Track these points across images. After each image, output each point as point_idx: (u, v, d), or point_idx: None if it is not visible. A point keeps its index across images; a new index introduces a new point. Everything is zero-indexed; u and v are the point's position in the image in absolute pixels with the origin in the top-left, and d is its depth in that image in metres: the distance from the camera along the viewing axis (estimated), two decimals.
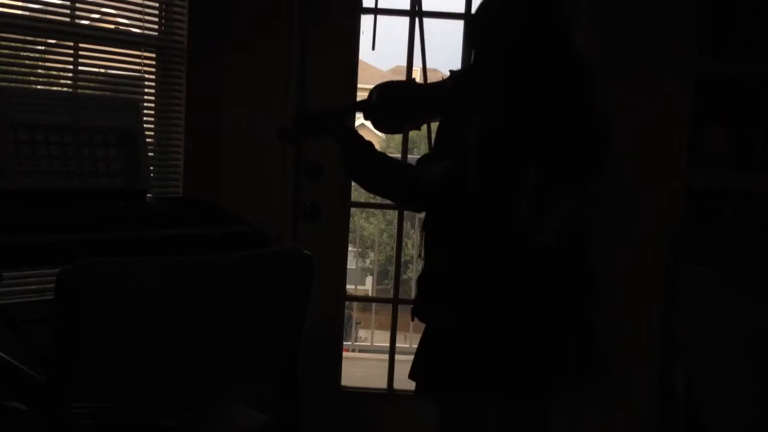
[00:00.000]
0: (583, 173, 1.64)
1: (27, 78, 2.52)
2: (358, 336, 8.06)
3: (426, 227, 1.87)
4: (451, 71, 1.83)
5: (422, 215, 1.93)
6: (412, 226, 7.07)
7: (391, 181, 1.92)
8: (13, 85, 2.41)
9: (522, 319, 1.69)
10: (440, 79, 1.87)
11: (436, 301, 1.80)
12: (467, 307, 1.72)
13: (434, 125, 2.03)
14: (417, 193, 1.88)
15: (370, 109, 1.83)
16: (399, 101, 1.82)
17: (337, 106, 1.96)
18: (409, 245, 8.33)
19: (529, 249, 1.65)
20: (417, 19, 2.72)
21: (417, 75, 2.70)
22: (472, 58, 1.79)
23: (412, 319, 1.93)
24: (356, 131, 1.91)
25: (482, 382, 1.72)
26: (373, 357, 5.43)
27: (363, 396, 3.03)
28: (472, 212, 1.70)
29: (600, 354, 1.79)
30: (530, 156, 1.60)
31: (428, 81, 2.15)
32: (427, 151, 2.04)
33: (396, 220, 3.00)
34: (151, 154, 2.60)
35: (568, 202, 1.65)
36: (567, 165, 1.61)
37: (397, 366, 2.97)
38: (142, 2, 2.65)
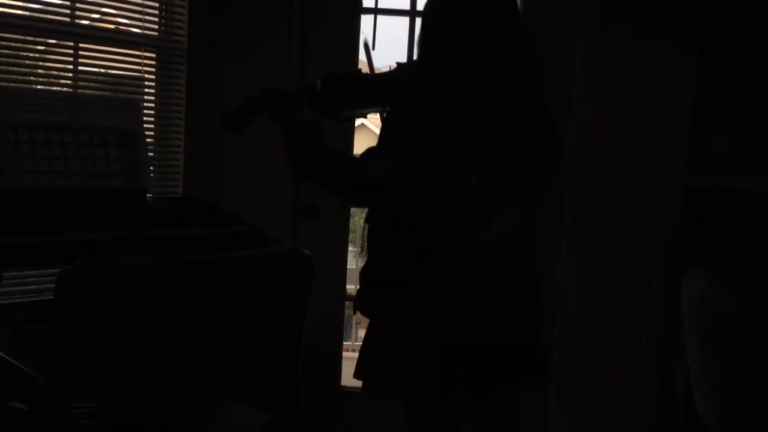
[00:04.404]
0: (531, 175, 1.63)
1: (27, 78, 2.52)
2: (358, 336, 8.05)
3: (369, 221, 1.85)
4: (398, 63, 1.81)
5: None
6: None
7: (332, 173, 1.87)
8: (13, 85, 2.41)
9: (465, 319, 1.67)
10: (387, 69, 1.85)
11: (375, 296, 1.79)
12: (406, 304, 1.70)
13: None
14: (360, 187, 1.85)
15: (312, 95, 1.80)
16: (341, 89, 1.80)
17: (280, 91, 1.91)
18: None
19: (473, 248, 1.63)
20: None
21: None
22: (418, 50, 1.76)
23: (354, 313, 1.92)
24: (298, 119, 1.83)
25: (418, 381, 1.71)
26: None
27: (363, 396, 3.03)
28: (416, 209, 1.68)
29: (540, 357, 1.78)
30: (475, 155, 1.59)
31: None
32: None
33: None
34: (151, 154, 2.60)
35: (517, 203, 1.63)
36: (514, 166, 1.59)
37: None
38: (142, 2, 2.65)
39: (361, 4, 2.84)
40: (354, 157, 1.94)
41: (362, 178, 1.83)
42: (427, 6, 1.76)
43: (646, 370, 2.79)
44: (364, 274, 1.84)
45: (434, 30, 1.73)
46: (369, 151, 1.91)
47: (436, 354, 1.68)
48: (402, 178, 1.70)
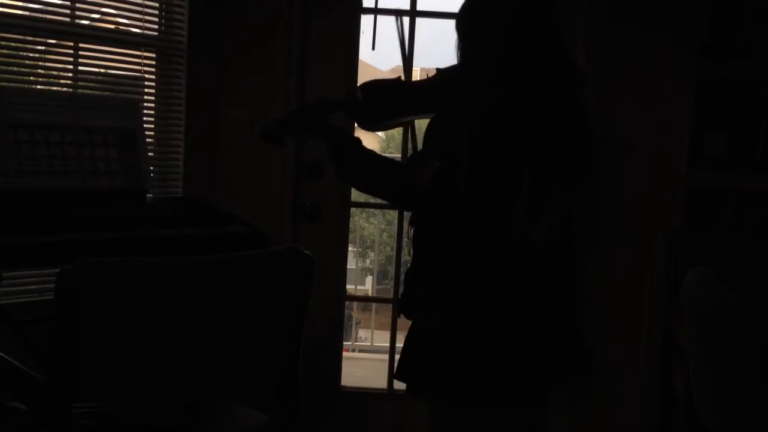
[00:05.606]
0: (574, 173, 1.64)
1: (27, 78, 2.52)
2: (358, 336, 8.05)
3: (414, 224, 1.85)
4: (438, 69, 1.81)
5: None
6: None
7: (381, 179, 1.87)
8: (13, 85, 2.41)
9: (510, 320, 1.68)
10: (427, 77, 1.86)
11: (423, 301, 1.78)
12: (455, 308, 1.71)
13: (419, 124, 2.00)
14: (407, 192, 1.87)
15: (355, 106, 1.80)
16: (384, 98, 1.80)
17: (322, 102, 1.92)
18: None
19: (519, 250, 1.64)
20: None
21: (417, 76, 2.70)
22: (458, 55, 1.77)
23: (398, 316, 1.91)
24: (342, 128, 1.85)
25: (472, 385, 1.71)
26: (373, 357, 5.44)
27: (363, 396, 3.03)
28: (463, 213, 1.69)
29: (587, 354, 1.79)
30: (522, 157, 1.60)
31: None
32: (412, 149, 2.02)
33: (396, 220, 3.00)
34: (151, 154, 2.60)
35: (559, 202, 1.64)
36: (558, 165, 1.60)
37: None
38: (142, 2, 2.65)
39: (361, 4, 2.84)
40: (399, 162, 1.94)
41: (409, 181, 1.83)
42: (461, 12, 1.76)
43: (646, 370, 2.79)
44: (410, 277, 1.84)
45: (469, 35, 1.73)
46: (414, 156, 1.91)
47: (480, 355, 1.69)
48: (448, 182, 1.70)
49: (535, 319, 1.69)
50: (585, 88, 1.74)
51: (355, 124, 1.95)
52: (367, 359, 5.48)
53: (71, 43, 2.51)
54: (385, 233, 9.65)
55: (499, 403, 1.76)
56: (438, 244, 1.75)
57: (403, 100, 1.80)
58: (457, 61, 1.77)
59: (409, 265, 1.88)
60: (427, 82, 1.83)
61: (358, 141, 1.85)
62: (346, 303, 3.19)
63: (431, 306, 1.75)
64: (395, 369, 1.87)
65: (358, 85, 1.83)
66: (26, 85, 2.49)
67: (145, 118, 2.51)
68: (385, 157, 1.97)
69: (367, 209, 5.52)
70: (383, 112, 1.80)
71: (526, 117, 1.62)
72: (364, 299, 8.95)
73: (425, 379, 1.79)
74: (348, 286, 3.08)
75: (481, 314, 1.68)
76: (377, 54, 2.95)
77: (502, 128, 1.64)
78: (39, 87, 2.54)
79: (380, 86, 1.82)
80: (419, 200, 1.81)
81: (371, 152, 1.87)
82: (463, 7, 1.76)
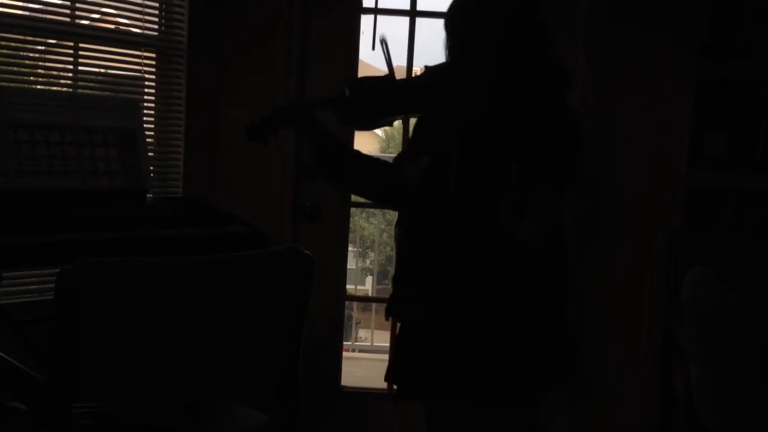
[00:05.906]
0: (564, 171, 1.64)
1: (27, 78, 2.52)
2: (358, 336, 8.06)
3: (401, 224, 1.85)
4: (426, 67, 1.80)
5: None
6: None
7: (371, 178, 1.86)
8: (13, 85, 2.41)
9: (502, 318, 1.67)
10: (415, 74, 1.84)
11: (415, 299, 1.77)
12: (447, 306, 1.70)
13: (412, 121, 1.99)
14: (395, 191, 1.85)
15: (342, 104, 1.79)
16: (372, 96, 1.78)
17: (308, 100, 1.89)
18: None
19: (509, 248, 1.63)
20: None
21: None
22: (447, 53, 1.76)
23: (387, 318, 1.90)
24: (326, 127, 1.82)
25: (465, 385, 1.70)
26: (373, 357, 5.44)
27: (363, 396, 3.03)
28: (452, 211, 1.68)
29: (577, 356, 1.79)
30: (511, 155, 1.59)
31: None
32: (402, 148, 2.00)
33: (396, 221, 3.00)
34: (151, 154, 2.60)
35: (549, 201, 1.64)
36: (547, 163, 1.60)
37: None
38: (142, 2, 2.65)
39: (361, 4, 2.84)
40: (387, 162, 1.93)
41: (399, 179, 1.81)
42: (450, 10, 1.75)
43: (646, 370, 2.79)
44: (398, 278, 1.82)
45: (460, 34, 1.72)
46: (402, 155, 1.91)
47: (470, 355, 1.68)
48: (438, 180, 1.69)
49: (527, 318, 1.68)
50: (572, 88, 1.74)
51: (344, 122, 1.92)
52: (367, 359, 5.47)
53: (71, 43, 2.51)
54: (385, 233, 9.64)
55: (492, 403, 1.76)
56: (428, 241, 1.74)
57: (392, 98, 1.78)
58: (446, 59, 1.77)
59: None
60: (416, 80, 1.82)
61: (343, 141, 1.84)
62: (346, 303, 3.19)
63: (423, 304, 1.74)
64: (386, 372, 1.86)
65: (346, 82, 1.81)
66: (26, 85, 2.49)
67: (145, 118, 2.51)
68: (371, 156, 1.96)
69: (367, 209, 5.52)
70: (372, 110, 1.79)
71: (522, 116, 1.62)
72: (364, 299, 8.95)
73: (418, 382, 1.79)
74: (348, 286, 3.08)
75: (473, 312, 1.68)
76: (377, 54, 2.94)
77: (496, 126, 1.63)
78: (39, 87, 2.54)
79: (368, 84, 1.80)
80: (409, 198, 1.80)
81: (358, 152, 1.87)
82: (453, 6, 1.75)
